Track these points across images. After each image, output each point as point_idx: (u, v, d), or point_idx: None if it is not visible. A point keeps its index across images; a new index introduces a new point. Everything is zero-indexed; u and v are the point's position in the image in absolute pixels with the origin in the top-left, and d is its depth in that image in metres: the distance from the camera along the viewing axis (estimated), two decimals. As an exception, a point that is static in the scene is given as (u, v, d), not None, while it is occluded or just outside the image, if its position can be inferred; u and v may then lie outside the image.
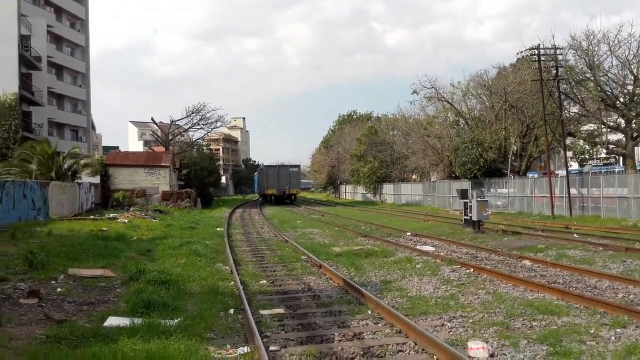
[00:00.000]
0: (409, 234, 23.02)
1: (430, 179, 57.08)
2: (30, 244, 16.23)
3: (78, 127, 60.42)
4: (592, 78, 34.35)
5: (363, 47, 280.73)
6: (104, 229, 22.44)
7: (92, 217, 29.60)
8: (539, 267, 13.80)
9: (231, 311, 9.38)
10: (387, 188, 64.65)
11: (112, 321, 8.28)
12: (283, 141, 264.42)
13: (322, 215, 38.60)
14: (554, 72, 33.31)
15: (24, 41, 43.82)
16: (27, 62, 44.61)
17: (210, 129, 68.26)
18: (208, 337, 7.83)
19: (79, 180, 37.69)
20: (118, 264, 14.22)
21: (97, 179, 43.48)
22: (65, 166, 36.02)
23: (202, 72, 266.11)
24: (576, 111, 39.31)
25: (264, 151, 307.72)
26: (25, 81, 43.93)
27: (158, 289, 10.55)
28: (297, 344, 7.55)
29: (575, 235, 21.12)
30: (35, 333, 7.71)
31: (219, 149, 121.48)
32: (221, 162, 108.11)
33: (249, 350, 7.11)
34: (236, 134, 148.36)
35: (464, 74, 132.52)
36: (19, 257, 13.54)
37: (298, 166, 65.37)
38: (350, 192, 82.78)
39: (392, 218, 34.71)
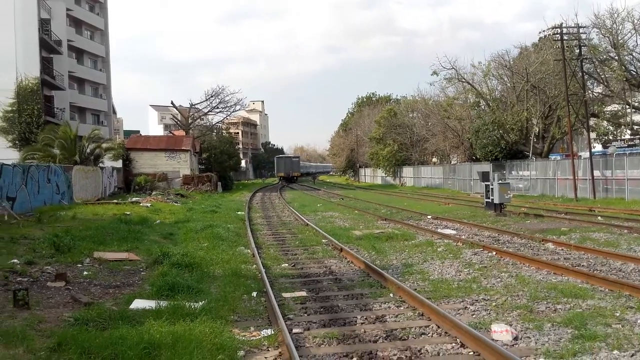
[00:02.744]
0: (429, 217, 22.92)
1: (450, 162, 56.67)
2: (55, 228, 16.51)
3: (99, 111, 60.75)
4: (616, 57, 33.67)
5: (380, 28, 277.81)
6: (127, 212, 22.73)
7: (115, 201, 30.03)
8: (562, 249, 13.66)
9: (254, 294, 9.47)
10: (407, 171, 64.35)
11: (138, 304, 8.40)
12: (302, 124, 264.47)
13: (342, 199, 38.60)
14: (577, 51, 32.69)
15: (44, 25, 43.81)
16: (48, 46, 44.74)
17: (229, 112, 68.57)
18: (232, 320, 7.93)
19: (102, 165, 38.05)
20: (142, 248, 14.42)
21: (119, 163, 43.81)
22: (88, 150, 36.40)
23: (221, 57, 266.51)
24: (600, 91, 38.57)
25: (283, 134, 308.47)
26: (46, 65, 44.14)
27: (182, 272, 10.67)
28: (319, 327, 7.60)
29: (599, 217, 20.84)
30: (63, 316, 7.87)
31: (238, 133, 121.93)
32: (240, 146, 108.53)
33: (273, 333, 7.21)
34: (255, 117, 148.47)
35: (484, 55, 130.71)
36: (45, 240, 13.79)
37: (298, 157, 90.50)
38: (370, 175, 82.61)
39: (412, 201, 34.59)
